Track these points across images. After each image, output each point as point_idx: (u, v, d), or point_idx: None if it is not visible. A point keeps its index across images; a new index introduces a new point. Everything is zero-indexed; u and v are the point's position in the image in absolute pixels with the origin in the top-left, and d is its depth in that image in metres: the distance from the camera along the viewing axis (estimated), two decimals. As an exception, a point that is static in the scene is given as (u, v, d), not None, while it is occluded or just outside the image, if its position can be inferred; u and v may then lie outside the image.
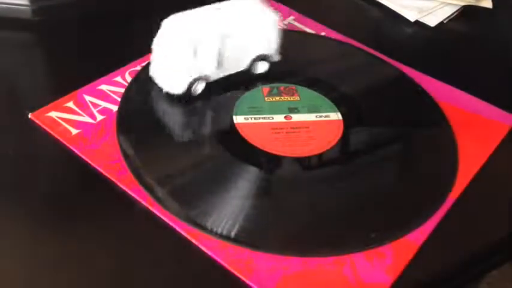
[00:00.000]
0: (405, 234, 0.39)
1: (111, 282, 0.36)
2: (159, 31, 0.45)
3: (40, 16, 0.55)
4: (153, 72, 0.47)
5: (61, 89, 0.48)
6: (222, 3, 0.47)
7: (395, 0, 0.64)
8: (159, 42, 0.46)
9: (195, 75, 0.45)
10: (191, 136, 0.45)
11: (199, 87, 0.45)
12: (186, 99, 0.46)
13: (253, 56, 0.47)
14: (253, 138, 0.45)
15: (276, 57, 0.49)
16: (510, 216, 0.43)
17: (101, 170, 0.42)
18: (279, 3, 0.62)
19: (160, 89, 0.46)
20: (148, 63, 0.49)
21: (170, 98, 0.46)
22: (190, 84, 0.45)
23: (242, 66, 0.47)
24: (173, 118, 0.47)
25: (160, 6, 0.59)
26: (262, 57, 0.47)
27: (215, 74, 0.46)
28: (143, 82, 0.49)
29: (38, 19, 0.55)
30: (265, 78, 0.49)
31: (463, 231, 0.41)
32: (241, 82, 0.49)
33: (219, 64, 0.45)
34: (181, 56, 0.44)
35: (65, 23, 0.56)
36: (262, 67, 0.48)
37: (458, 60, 0.58)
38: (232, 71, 0.47)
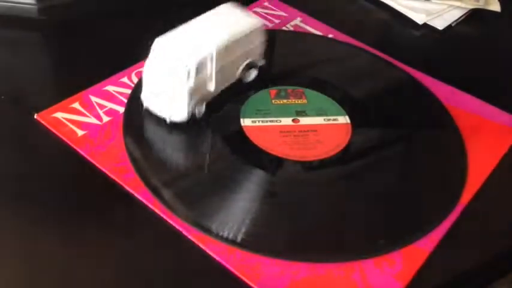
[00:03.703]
0: (415, 240, 0.39)
1: (116, 284, 0.36)
2: (150, 54, 0.43)
3: (46, 15, 0.55)
4: (146, 99, 0.44)
5: (67, 89, 0.47)
6: (206, 14, 0.46)
7: (404, 2, 0.64)
8: (151, 66, 0.43)
9: (196, 99, 0.43)
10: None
11: (202, 109, 0.44)
12: (188, 122, 0.44)
13: (243, 65, 0.45)
14: (260, 141, 0.44)
15: (261, 62, 0.47)
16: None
17: (107, 172, 0.41)
18: (287, 5, 0.62)
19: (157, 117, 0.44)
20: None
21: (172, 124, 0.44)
22: (193, 109, 0.43)
23: (234, 77, 0.46)
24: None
25: (165, 7, 0.59)
26: (251, 65, 0.45)
27: (214, 92, 0.44)
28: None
29: (44, 18, 0.55)
30: (254, 86, 0.47)
31: (473, 238, 0.40)
32: (248, 84, 0.49)
33: (217, 81, 0.44)
34: (179, 82, 0.42)
35: (71, 23, 0.56)
36: (252, 74, 0.46)
37: (466, 64, 0.58)
38: (227, 84, 0.45)
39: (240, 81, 0.45)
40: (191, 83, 0.41)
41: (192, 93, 0.42)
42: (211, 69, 0.43)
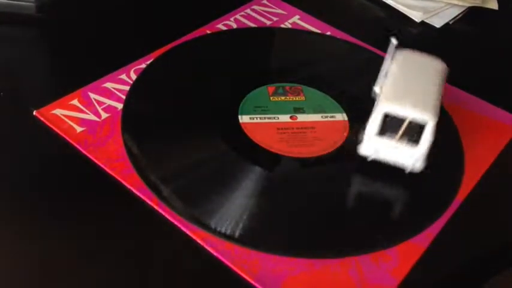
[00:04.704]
0: (411, 236, 0.39)
1: (115, 280, 0.36)
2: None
3: (44, 12, 0.55)
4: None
5: (66, 86, 0.47)
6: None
7: (401, 0, 0.64)
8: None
9: None
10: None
11: None
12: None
13: None
14: (258, 138, 0.44)
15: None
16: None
17: (106, 169, 0.42)
18: (285, 3, 0.62)
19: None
20: (158, 60, 0.48)
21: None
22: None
23: None
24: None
25: (164, 4, 0.59)
26: None
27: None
28: (148, 80, 0.49)
29: (42, 15, 0.55)
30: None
31: (469, 234, 0.41)
32: (246, 81, 0.49)
33: None
34: None
35: (70, 20, 0.56)
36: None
37: (463, 62, 0.58)
38: None
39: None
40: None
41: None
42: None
